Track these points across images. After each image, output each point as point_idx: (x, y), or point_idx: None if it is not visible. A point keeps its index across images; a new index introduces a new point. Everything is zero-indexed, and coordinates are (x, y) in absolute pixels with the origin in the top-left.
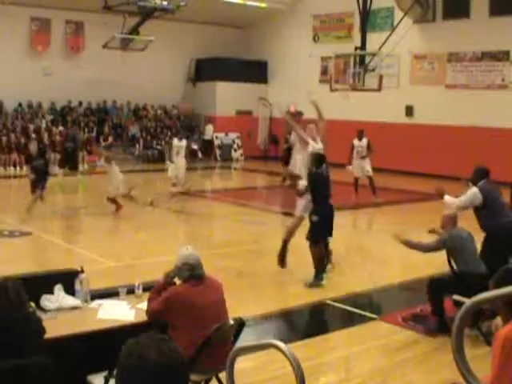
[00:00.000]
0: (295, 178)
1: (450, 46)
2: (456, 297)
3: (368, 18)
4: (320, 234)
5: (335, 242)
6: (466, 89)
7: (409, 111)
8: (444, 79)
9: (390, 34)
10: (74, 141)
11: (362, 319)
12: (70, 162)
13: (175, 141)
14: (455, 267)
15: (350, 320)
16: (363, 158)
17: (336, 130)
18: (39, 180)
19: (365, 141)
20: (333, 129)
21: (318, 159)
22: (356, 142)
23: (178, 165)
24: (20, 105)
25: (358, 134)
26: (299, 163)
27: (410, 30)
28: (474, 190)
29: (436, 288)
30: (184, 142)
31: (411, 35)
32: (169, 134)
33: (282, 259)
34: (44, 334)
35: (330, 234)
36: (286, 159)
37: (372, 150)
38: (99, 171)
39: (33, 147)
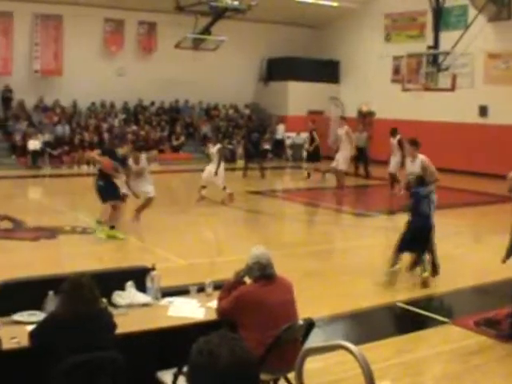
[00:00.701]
0: (340, 173)
1: None
2: None
3: (441, 17)
4: (402, 244)
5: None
6: None
7: (483, 111)
8: None
9: (464, 33)
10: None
11: (433, 323)
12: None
13: (209, 147)
14: None
15: (420, 323)
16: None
17: (408, 130)
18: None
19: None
20: (405, 129)
21: (420, 181)
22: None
23: (208, 171)
24: (93, 104)
25: (392, 131)
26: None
27: (484, 28)
28: None
29: None
30: (215, 149)
31: (485, 33)
32: (240, 133)
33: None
34: (115, 330)
35: (412, 249)
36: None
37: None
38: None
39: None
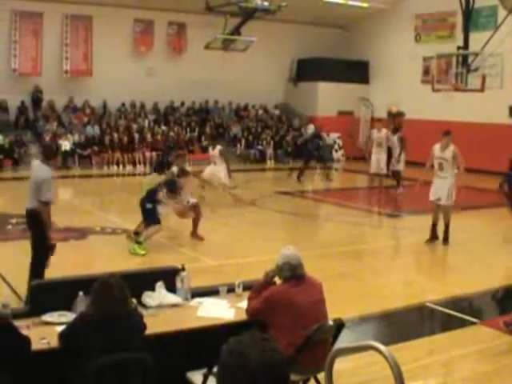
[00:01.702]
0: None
1: None
2: None
3: (471, 17)
4: None
5: (438, 244)
6: None
7: None
8: None
9: (494, 34)
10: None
11: (463, 323)
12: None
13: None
14: None
15: (450, 323)
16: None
17: (438, 130)
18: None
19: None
20: (434, 130)
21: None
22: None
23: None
24: (123, 104)
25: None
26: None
27: None
28: None
29: None
30: (217, 151)
31: None
32: (270, 133)
33: None
34: (145, 331)
35: None
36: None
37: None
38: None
39: None
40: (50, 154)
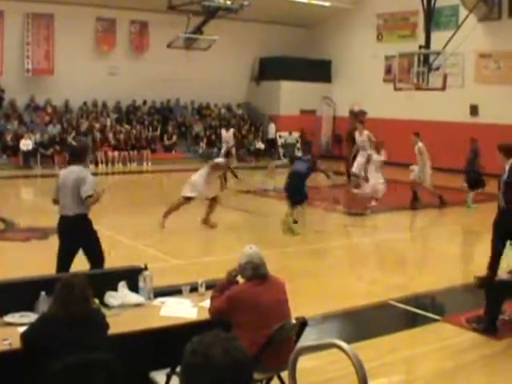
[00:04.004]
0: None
1: None
2: None
3: (432, 17)
4: None
5: (400, 243)
6: None
7: (473, 110)
8: (510, 78)
9: (455, 33)
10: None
11: (425, 320)
12: None
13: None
14: None
15: (412, 321)
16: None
17: (399, 129)
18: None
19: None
20: (396, 128)
21: None
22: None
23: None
24: (85, 103)
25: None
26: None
27: (474, 28)
28: None
29: (498, 289)
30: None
31: (476, 33)
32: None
33: None
34: (107, 330)
35: None
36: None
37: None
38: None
39: None
40: (81, 155)
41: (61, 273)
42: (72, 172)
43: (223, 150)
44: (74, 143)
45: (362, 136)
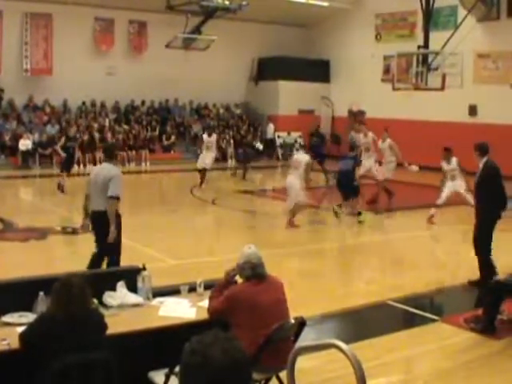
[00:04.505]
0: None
1: None
2: None
3: (431, 17)
4: None
5: (398, 243)
6: None
7: (472, 110)
8: (508, 78)
9: (454, 33)
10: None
11: (423, 320)
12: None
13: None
14: None
15: (410, 321)
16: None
17: (398, 129)
18: None
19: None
20: (395, 128)
21: None
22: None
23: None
24: (84, 103)
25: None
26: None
27: (473, 28)
28: None
29: (500, 290)
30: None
31: (475, 34)
32: (231, 133)
33: None
34: (106, 330)
35: None
36: None
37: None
38: (156, 169)
39: None
40: (113, 152)
41: (98, 263)
42: (103, 169)
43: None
44: (61, 152)
45: (366, 137)
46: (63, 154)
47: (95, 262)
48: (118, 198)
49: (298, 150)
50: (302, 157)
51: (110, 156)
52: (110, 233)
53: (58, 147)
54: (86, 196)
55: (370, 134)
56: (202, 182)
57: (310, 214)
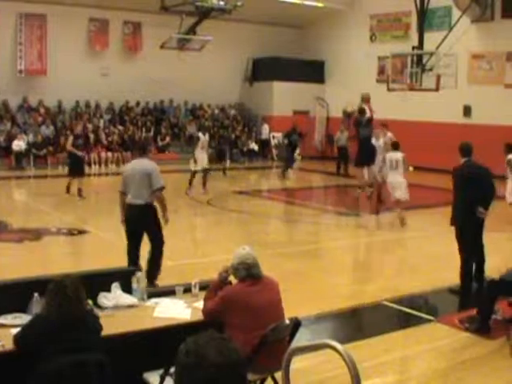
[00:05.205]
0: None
1: (509, 45)
2: None
3: (425, 18)
4: None
5: (394, 243)
6: None
7: (467, 111)
8: (503, 79)
9: (448, 34)
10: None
11: (419, 321)
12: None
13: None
14: None
15: (406, 321)
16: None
17: (392, 130)
18: None
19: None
20: (390, 129)
21: None
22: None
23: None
24: (78, 104)
25: None
26: None
27: (467, 29)
28: None
29: (494, 289)
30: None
31: (469, 34)
32: (225, 133)
33: None
34: (101, 332)
35: None
36: None
37: None
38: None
39: None
40: (146, 148)
41: (132, 255)
42: (139, 164)
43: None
44: (76, 151)
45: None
46: (79, 153)
47: (153, 253)
48: (163, 188)
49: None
50: (397, 155)
51: (144, 151)
52: (165, 218)
53: (70, 148)
54: (121, 193)
55: (389, 134)
56: (205, 183)
57: (307, 214)
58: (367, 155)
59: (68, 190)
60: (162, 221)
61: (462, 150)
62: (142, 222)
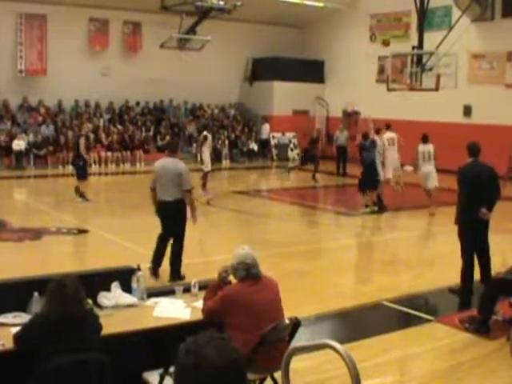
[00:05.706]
0: None
1: (509, 45)
2: None
3: (425, 17)
4: None
5: (394, 243)
6: None
7: (467, 111)
8: (503, 78)
9: (448, 33)
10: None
11: (419, 321)
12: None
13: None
14: None
15: (406, 321)
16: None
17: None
18: None
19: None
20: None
21: None
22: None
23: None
24: (77, 104)
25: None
26: None
27: (467, 28)
28: None
29: (495, 288)
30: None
31: (469, 34)
32: (225, 133)
33: None
34: (101, 331)
35: None
36: None
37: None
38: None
39: None
40: (176, 148)
41: (161, 249)
42: (170, 163)
43: None
44: (86, 156)
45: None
46: (87, 156)
47: (179, 254)
48: (193, 188)
49: (292, 150)
50: (428, 147)
51: (175, 151)
52: (193, 218)
53: (84, 152)
54: (152, 189)
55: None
56: (205, 184)
57: (307, 214)
58: (372, 180)
59: (80, 192)
60: (190, 220)
61: (470, 150)
62: (173, 217)
